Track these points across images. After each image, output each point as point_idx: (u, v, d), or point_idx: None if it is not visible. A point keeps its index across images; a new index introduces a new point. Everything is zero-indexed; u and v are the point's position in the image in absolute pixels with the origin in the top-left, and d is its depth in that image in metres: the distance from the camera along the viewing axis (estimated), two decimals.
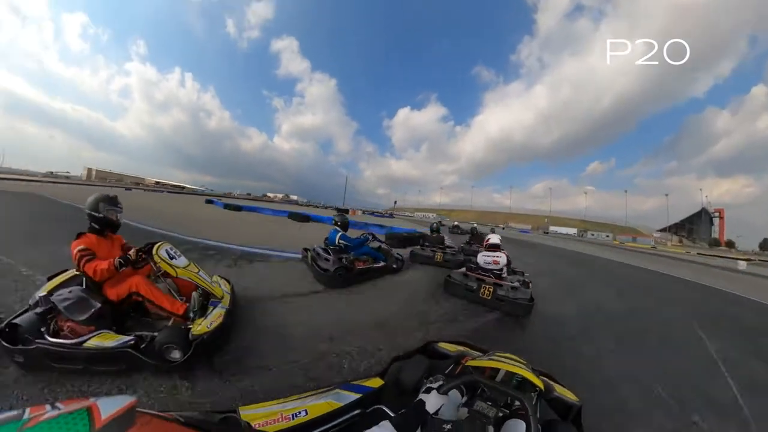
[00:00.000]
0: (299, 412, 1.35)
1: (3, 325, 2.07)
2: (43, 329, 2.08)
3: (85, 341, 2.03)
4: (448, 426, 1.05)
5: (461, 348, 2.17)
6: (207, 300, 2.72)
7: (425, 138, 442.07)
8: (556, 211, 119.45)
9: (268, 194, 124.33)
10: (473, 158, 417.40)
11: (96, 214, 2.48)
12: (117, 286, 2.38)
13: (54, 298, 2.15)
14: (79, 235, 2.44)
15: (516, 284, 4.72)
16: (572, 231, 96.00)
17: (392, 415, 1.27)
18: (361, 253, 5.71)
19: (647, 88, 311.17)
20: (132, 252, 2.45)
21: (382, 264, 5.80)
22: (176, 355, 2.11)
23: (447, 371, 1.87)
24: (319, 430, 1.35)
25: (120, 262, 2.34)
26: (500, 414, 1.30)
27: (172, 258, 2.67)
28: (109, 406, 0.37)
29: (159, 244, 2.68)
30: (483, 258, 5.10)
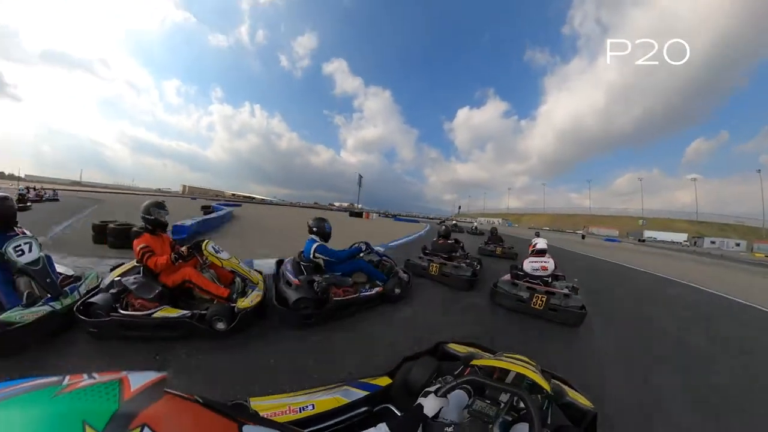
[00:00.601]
0: (306, 406, 1.39)
1: (79, 303, 2.56)
2: (117, 305, 2.59)
3: (153, 313, 2.53)
4: (450, 429, 1.06)
5: (471, 349, 2.12)
6: (246, 286, 3.24)
7: (489, 137, 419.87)
8: (652, 211, 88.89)
9: (334, 203, 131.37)
10: (544, 154, 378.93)
11: (149, 217, 2.97)
12: (172, 276, 2.86)
13: (124, 281, 2.69)
14: (137, 236, 2.94)
15: (566, 291, 4.20)
16: (680, 237, 65.57)
17: (399, 414, 1.29)
18: (351, 270, 3.92)
19: (762, 24, 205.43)
20: (184, 249, 2.96)
21: (376, 290, 3.81)
22: (222, 325, 2.61)
23: (456, 373, 1.81)
24: (325, 424, 1.38)
25: (175, 257, 2.83)
26: (503, 413, 1.26)
27: (218, 252, 3.16)
28: (138, 380, 0.40)
29: (206, 241, 3.13)
30: (530, 264, 4.48)
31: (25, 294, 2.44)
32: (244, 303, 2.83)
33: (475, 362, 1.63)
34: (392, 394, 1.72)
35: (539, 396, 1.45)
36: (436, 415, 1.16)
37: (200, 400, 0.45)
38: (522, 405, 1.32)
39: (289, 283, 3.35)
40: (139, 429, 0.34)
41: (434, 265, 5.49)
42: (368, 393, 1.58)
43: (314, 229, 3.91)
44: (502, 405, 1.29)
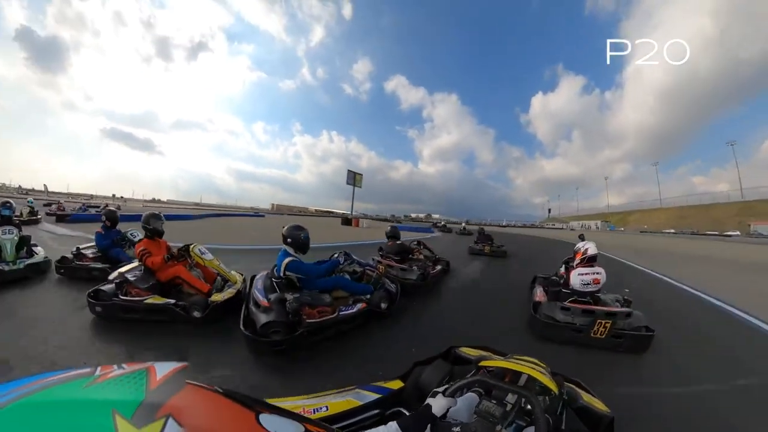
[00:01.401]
0: (320, 408, 1.43)
1: (91, 290, 3.19)
2: (119, 292, 3.21)
3: (144, 300, 3.12)
4: (457, 429, 1.09)
5: (482, 352, 2.10)
6: (225, 284, 3.75)
7: (573, 122, 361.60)
8: None
9: (411, 214, 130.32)
10: (644, 129, 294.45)
11: (148, 226, 3.64)
12: (165, 272, 3.44)
13: (126, 275, 3.39)
14: (139, 241, 3.65)
15: (625, 309, 3.30)
16: None
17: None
18: (330, 287, 3.36)
19: None
20: (175, 250, 3.64)
21: (359, 307, 3.20)
22: (197, 314, 3.09)
23: (468, 376, 1.75)
24: (338, 425, 1.39)
25: (167, 257, 3.45)
26: (512, 414, 1.26)
27: (203, 254, 3.70)
28: (163, 369, 0.44)
29: (194, 245, 3.72)
30: (580, 278, 3.44)
31: (132, 257, 4.26)
32: (217, 297, 3.31)
33: (483, 363, 1.64)
34: (404, 397, 1.74)
35: (547, 398, 1.42)
36: (444, 416, 1.18)
37: (219, 390, 0.47)
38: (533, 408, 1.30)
39: (258, 304, 2.90)
40: (163, 419, 0.36)
41: (381, 266, 4.76)
42: (380, 396, 1.63)
43: (288, 239, 3.30)
44: (509, 406, 1.28)
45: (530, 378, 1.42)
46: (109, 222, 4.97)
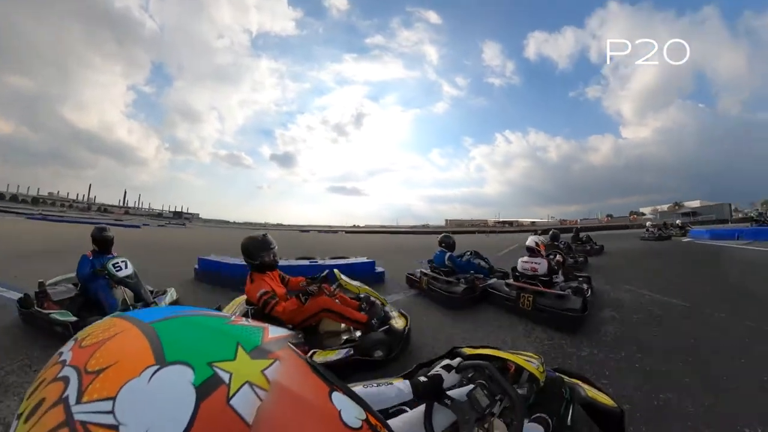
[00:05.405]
0: None
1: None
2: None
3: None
4: (448, 402, 1.10)
5: (485, 351, 2.14)
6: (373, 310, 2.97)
7: None
8: None
9: (642, 209, 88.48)
10: None
11: (252, 261, 2.86)
12: (303, 314, 2.71)
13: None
14: (253, 279, 2.80)
15: (565, 292, 3.92)
16: None
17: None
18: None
19: None
20: (314, 287, 2.90)
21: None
22: (380, 354, 2.49)
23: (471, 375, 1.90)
24: None
25: (304, 298, 2.88)
26: (498, 410, 1.17)
27: (353, 280, 3.30)
28: (275, 331, 0.56)
29: (336, 271, 3.26)
30: (521, 264, 4.40)
31: (120, 301, 3.25)
32: (398, 324, 2.76)
33: (463, 350, 1.72)
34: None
35: (534, 385, 1.41)
36: (449, 389, 1.20)
37: (308, 360, 0.56)
38: (540, 409, 1.34)
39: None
40: (272, 360, 0.47)
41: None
42: None
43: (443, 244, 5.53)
44: (498, 397, 1.20)
45: (532, 376, 1.43)
46: (96, 246, 3.64)
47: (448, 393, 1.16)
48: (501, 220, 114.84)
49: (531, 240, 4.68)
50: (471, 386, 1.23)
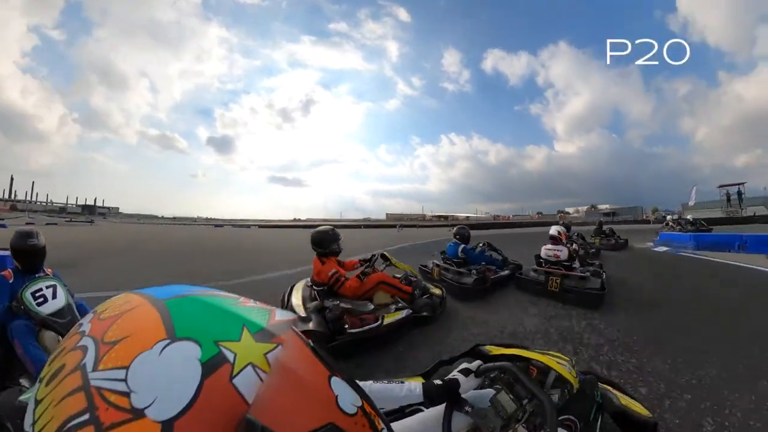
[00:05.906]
0: None
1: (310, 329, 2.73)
2: (346, 326, 2.81)
3: (381, 323, 2.96)
4: (469, 409, 1.06)
5: (509, 350, 2.14)
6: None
7: None
8: None
9: (566, 210, 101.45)
10: None
11: (323, 250, 3.41)
12: (364, 287, 3.32)
13: (340, 307, 2.94)
14: (324, 262, 3.33)
15: (586, 274, 4.56)
16: None
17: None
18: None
19: None
20: (370, 268, 3.67)
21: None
22: (427, 313, 3.51)
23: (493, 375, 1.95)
24: None
25: (362, 275, 3.43)
26: (525, 416, 1.16)
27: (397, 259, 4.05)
28: (281, 315, 0.57)
29: (387, 253, 4.01)
30: (544, 251, 5.05)
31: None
32: (436, 290, 3.85)
33: (487, 348, 1.67)
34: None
35: (566, 391, 1.37)
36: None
37: (310, 344, 0.57)
38: (566, 411, 1.27)
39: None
40: (275, 344, 0.48)
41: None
42: None
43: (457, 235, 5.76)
44: (524, 402, 1.18)
45: (559, 376, 1.37)
46: (19, 261, 2.28)
47: (465, 396, 1.11)
48: (436, 214, 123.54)
49: (554, 229, 5.29)
50: (492, 391, 1.20)
